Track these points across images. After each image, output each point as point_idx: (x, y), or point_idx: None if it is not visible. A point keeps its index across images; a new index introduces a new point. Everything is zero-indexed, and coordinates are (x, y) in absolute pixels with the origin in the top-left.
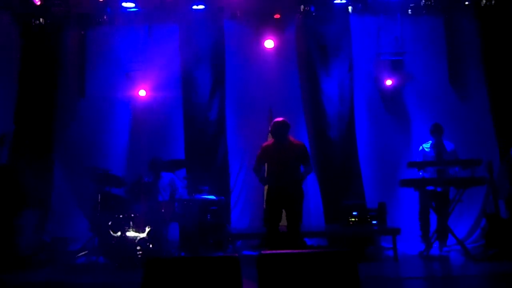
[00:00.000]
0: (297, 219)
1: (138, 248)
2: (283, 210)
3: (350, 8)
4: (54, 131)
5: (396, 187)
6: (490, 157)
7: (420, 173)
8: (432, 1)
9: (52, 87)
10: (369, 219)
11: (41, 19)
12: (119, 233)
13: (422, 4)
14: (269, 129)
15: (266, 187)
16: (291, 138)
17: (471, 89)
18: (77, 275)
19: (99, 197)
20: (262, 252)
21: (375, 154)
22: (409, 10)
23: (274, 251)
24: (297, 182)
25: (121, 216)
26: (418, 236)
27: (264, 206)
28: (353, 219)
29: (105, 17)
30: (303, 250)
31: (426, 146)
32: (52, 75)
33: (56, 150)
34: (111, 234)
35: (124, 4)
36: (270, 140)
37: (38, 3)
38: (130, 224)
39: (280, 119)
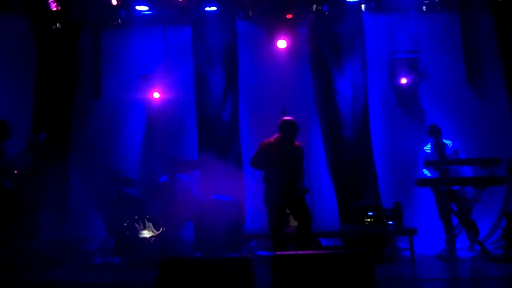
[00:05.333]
0: (307, 219)
1: (153, 248)
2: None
3: (363, 6)
4: (71, 132)
5: (412, 187)
6: (509, 156)
7: (428, 174)
8: None
9: (69, 90)
10: (385, 219)
11: (57, 24)
12: (134, 233)
13: (436, 0)
14: (281, 126)
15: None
16: None
17: (489, 87)
18: (94, 275)
19: (115, 198)
20: (277, 252)
21: (390, 153)
22: (424, 7)
23: (288, 252)
24: (298, 183)
25: (136, 216)
26: (437, 237)
27: (267, 208)
28: (368, 219)
29: (119, 21)
30: (318, 251)
31: (427, 148)
32: (69, 79)
33: (73, 151)
34: (126, 234)
35: (138, 7)
36: (270, 138)
37: (55, 8)
38: (145, 224)
39: (291, 118)
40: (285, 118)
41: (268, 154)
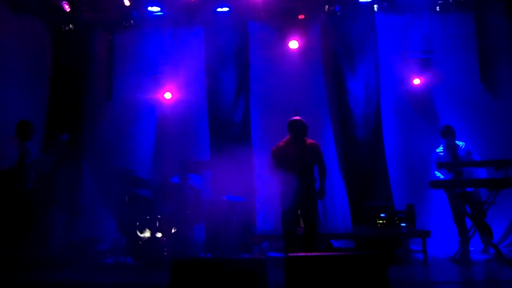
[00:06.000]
0: (314, 220)
1: (165, 248)
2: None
3: (375, 6)
4: (83, 133)
5: (425, 189)
6: None
7: (441, 176)
8: None
9: (81, 91)
10: (397, 221)
11: (70, 25)
12: (146, 234)
13: (450, 0)
14: (289, 126)
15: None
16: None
17: (504, 87)
18: (105, 275)
19: (127, 198)
20: (289, 254)
21: (403, 154)
22: (437, 7)
23: (301, 254)
24: (312, 183)
25: (148, 216)
26: (450, 239)
27: (282, 208)
28: (380, 221)
29: (131, 22)
30: (331, 253)
31: (439, 150)
32: (82, 79)
33: (85, 152)
34: (138, 234)
35: (150, 8)
36: (280, 142)
37: (68, 9)
38: (156, 224)
39: (299, 117)
40: (293, 118)
41: (281, 157)
